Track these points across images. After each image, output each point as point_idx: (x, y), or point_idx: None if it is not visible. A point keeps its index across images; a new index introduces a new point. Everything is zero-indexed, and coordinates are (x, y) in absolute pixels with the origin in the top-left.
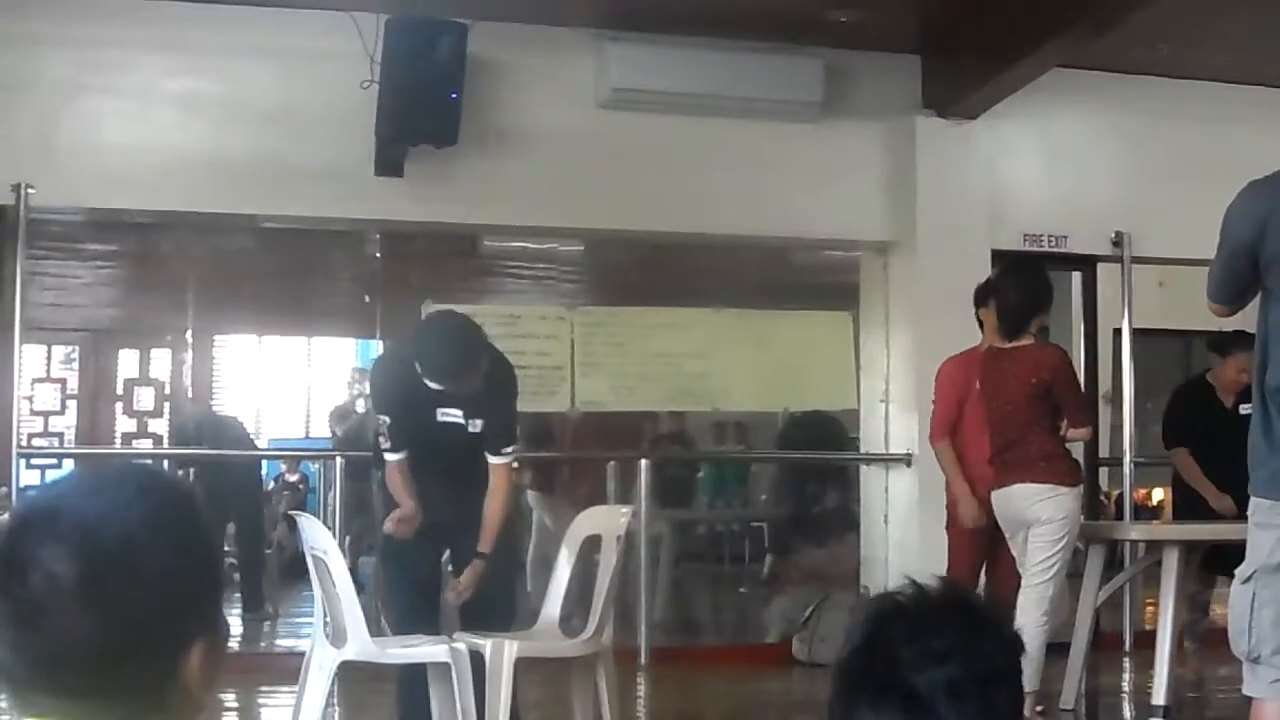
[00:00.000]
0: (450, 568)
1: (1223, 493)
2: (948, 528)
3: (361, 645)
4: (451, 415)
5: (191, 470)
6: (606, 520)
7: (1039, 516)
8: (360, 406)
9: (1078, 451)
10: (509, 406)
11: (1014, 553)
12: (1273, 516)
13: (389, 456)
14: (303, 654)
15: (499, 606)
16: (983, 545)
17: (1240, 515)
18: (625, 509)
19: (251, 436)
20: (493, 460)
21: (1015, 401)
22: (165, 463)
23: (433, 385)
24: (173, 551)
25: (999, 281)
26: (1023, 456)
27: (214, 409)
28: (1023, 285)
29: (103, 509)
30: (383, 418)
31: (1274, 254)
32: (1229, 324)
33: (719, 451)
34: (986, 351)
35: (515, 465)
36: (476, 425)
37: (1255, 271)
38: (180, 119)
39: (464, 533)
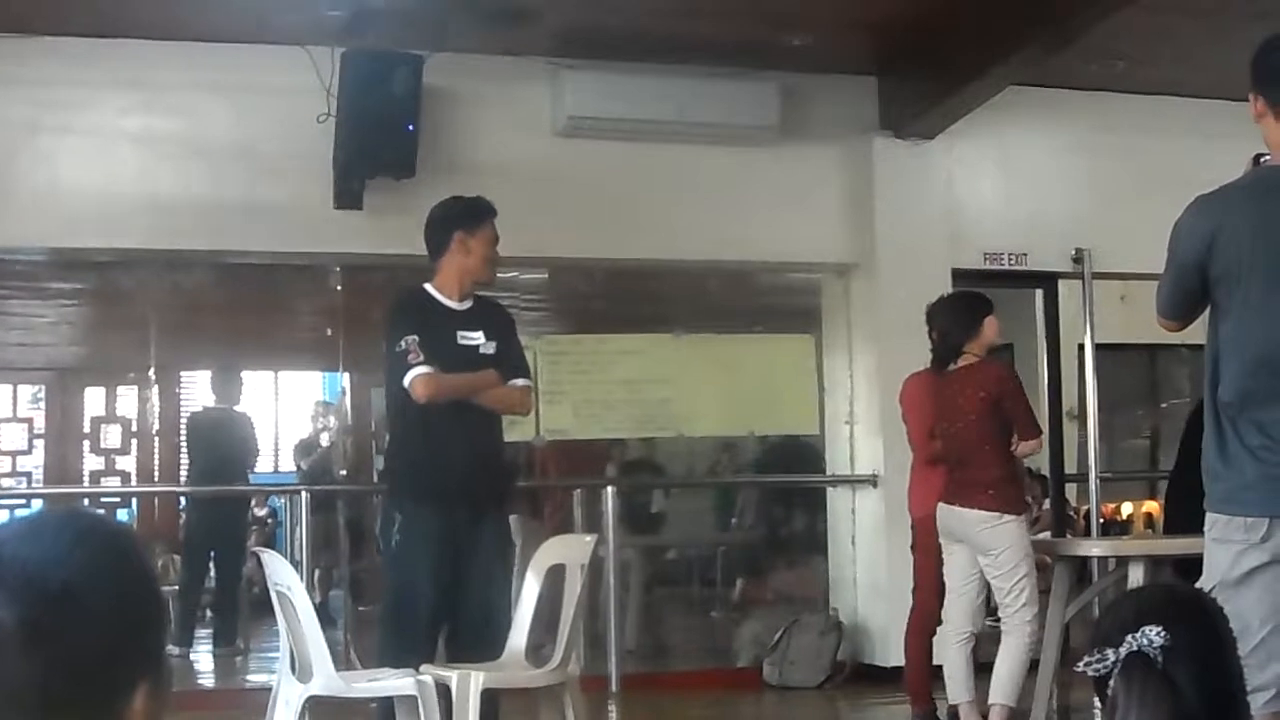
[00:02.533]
0: (453, 587)
1: None
2: (912, 548)
3: (327, 680)
4: (471, 338)
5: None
6: (571, 549)
7: (985, 545)
8: (325, 440)
9: (1044, 466)
10: (517, 339)
11: (945, 565)
12: (1230, 532)
13: (420, 370)
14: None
15: (492, 634)
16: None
17: None
18: (589, 538)
19: (256, 439)
20: (515, 382)
21: (966, 419)
22: (134, 499)
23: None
24: (114, 594)
25: (931, 314)
26: (973, 478)
27: (228, 408)
28: (950, 317)
29: (42, 554)
30: (411, 337)
31: (1223, 269)
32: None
33: (685, 478)
34: (930, 374)
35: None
36: (491, 347)
37: (1204, 286)
38: (139, 157)
39: (488, 479)
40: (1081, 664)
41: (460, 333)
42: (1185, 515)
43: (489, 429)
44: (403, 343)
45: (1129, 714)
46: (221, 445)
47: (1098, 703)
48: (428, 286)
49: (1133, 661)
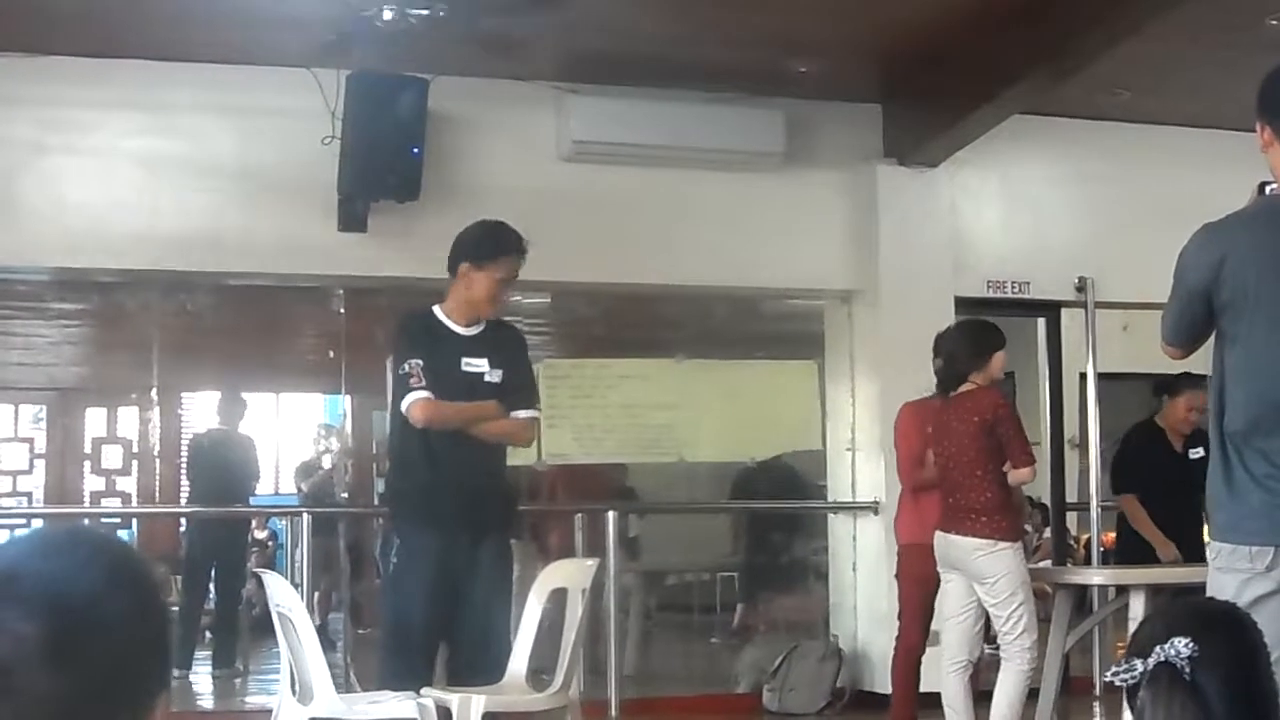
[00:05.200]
0: (453, 612)
1: (1169, 540)
2: (897, 576)
3: (328, 702)
4: (475, 365)
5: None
6: (573, 573)
7: (980, 573)
8: (326, 463)
9: (1045, 495)
10: (527, 364)
11: (942, 592)
12: (1235, 561)
13: (418, 395)
14: (272, 711)
15: (493, 658)
16: (933, 593)
17: (1188, 561)
18: (591, 562)
19: (258, 461)
20: (520, 414)
21: (961, 444)
22: (134, 520)
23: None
24: (133, 608)
25: (940, 338)
26: (968, 505)
27: (228, 429)
28: (961, 345)
29: (63, 569)
30: (414, 360)
31: (1229, 298)
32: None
33: (687, 502)
34: (925, 403)
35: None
36: (497, 375)
37: (1210, 314)
38: (143, 178)
39: (489, 504)
40: (1110, 673)
41: (465, 359)
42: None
43: (491, 454)
44: (406, 365)
45: None
46: (223, 467)
47: None
48: (436, 309)
49: (1160, 672)
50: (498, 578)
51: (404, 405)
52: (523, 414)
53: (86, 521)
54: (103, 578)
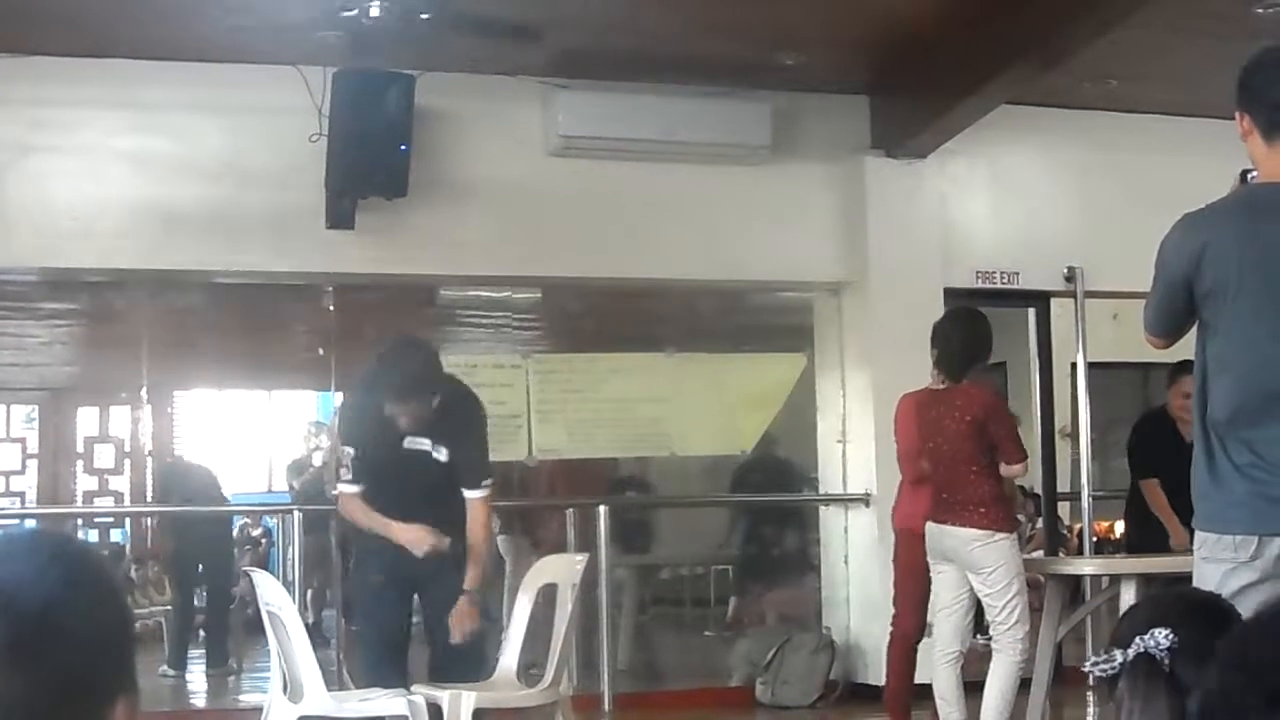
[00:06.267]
0: (422, 615)
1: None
2: (894, 560)
3: (319, 700)
4: (418, 443)
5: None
6: (562, 569)
7: (977, 564)
8: (318, 460)
9: (1036, 485)
10: (479, 438)
11: (934, 583)
12: (1219, 550)
13: (345, 488)
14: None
15: (470, 657)
16: (929, 581)
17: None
18: (580, 557)
19: (221, 486)
20: (470, 494)
21: (952, 440)
22: (127, 520)
23: (386, 406)
24: (91, 612)
25: (942, 327)
26: (962, 499)
27: (183, 458)
28: (965, 334)
29: (19, 573)
30: (347, 449)
31: (1210, 287)
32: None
33: (678, 496)
34: (922, 394)
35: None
36: (442, 453)
37: (1192, 304)
38: (130, 176)
39: (438, 572)
40: (1089, 664)
41: (407, 438)
42: (1147, 532)
43: (443, 519)
44: (344, 450)
45: (1133, 715)
46: (187, 495)
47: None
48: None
49: (1139, 663)
50: (458, 581)
51: (336, 490)
52: (470, 494)
53: (80, 523)
54: (60, 582)
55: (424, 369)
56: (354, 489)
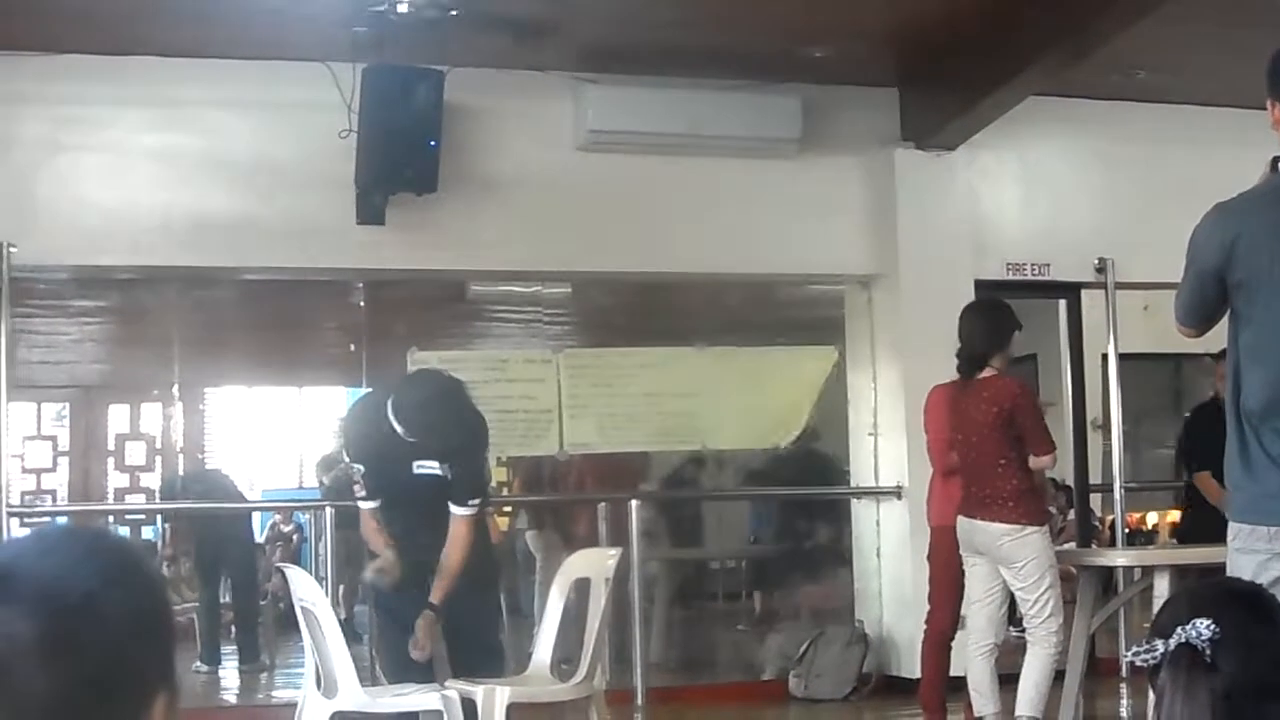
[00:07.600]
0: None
1: None
2: (929, 557)
3: (353, 695)
4: (428, 467)
5: (171, 524)
6: (595, 563)
7: (1009, 558)
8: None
9: (1068, 477)
10: (477, 457)
11: (967, 577)
12: (1253, 541)
13: (362, 505)
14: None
15: (484, 652)
16: (963, 575)
17: None
18: (613, 551)
19: (239, 488)
20: (456, 510)
21: (980, 433)
22: (159, 518)
23: (407, 437)
24: (130, 605)
25: (962, 318)
26: (992, 493)
27: (201, 463)
28: (983, 324)
29: (58, 568)
30: (357, 466)
31: (1242, 277)
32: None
33: (709, 490)
34: (952, 386)
35: (491, 512)
36: (449, 471)
37: (1223, 294)
38: (160, 174)
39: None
40: (1131, 653)
41: (416, 462)
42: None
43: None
44: (352, 469)
45: (1175, 704)
46: (207, 484)
47: (1124, 711)
48: (390, 403)
49: (1180, 653)
50: (464, 582)
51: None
52: (455, 510)
53: (111, 520)
54: (99, 574)
55: (447, 407)
56: (371, 505)
